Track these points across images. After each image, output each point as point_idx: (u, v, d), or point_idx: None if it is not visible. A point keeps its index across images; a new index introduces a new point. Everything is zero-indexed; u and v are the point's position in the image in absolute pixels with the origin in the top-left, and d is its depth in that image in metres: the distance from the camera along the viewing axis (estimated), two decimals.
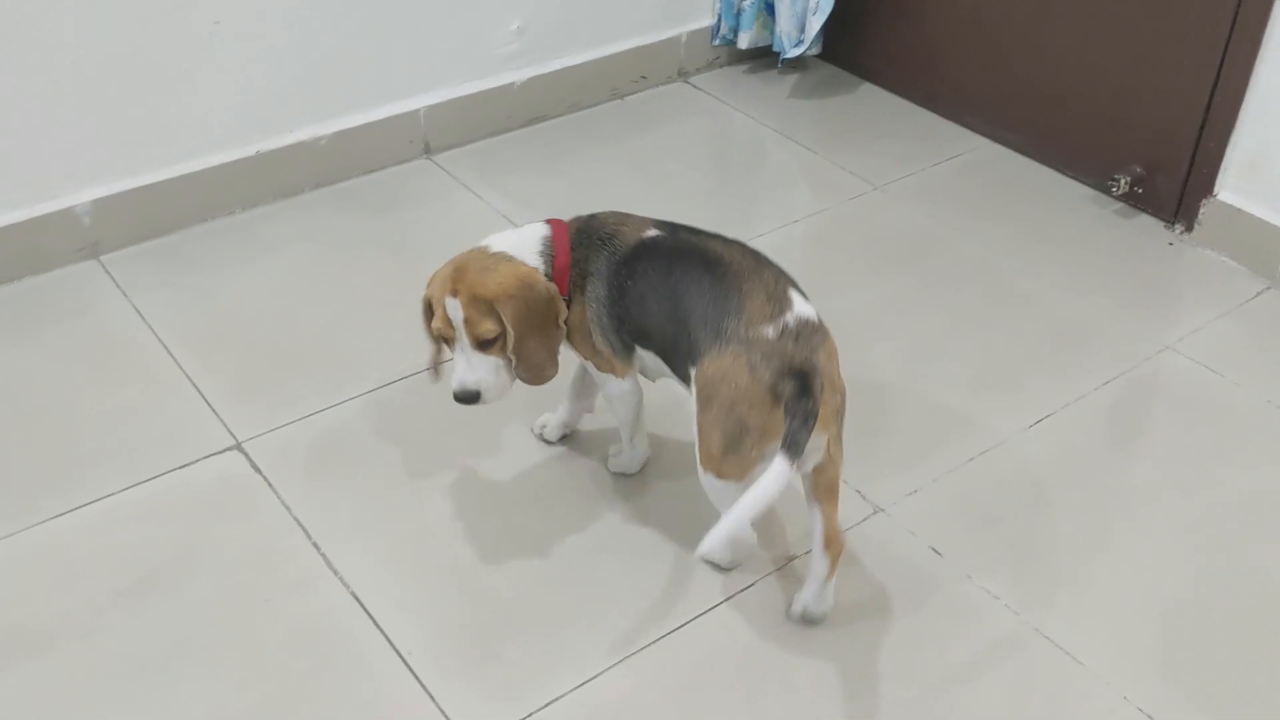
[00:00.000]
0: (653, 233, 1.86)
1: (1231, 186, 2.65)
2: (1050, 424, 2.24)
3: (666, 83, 3.33)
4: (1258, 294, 2.58)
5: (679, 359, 1.80)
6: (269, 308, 2.48)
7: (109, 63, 2.47)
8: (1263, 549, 2.01)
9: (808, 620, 1.86)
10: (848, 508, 2.04)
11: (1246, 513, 2.07)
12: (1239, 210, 2.64)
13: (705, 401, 1.71)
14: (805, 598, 1.85)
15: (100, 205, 2.57)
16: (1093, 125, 2.86)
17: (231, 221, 2.74)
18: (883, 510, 2.06)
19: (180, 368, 2.32)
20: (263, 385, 2.28)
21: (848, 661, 1.81)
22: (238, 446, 2.16)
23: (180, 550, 1.96)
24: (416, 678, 1.77)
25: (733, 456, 1.69)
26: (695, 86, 3.32)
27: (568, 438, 2.18)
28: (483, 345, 1.80)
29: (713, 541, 1.60)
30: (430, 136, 2.97)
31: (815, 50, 3.35)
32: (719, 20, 3.30)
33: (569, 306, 1.85)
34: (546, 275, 1.83)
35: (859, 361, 2.33)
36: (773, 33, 3.28)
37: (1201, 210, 2.70)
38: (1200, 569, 1.97)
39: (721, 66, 3.41)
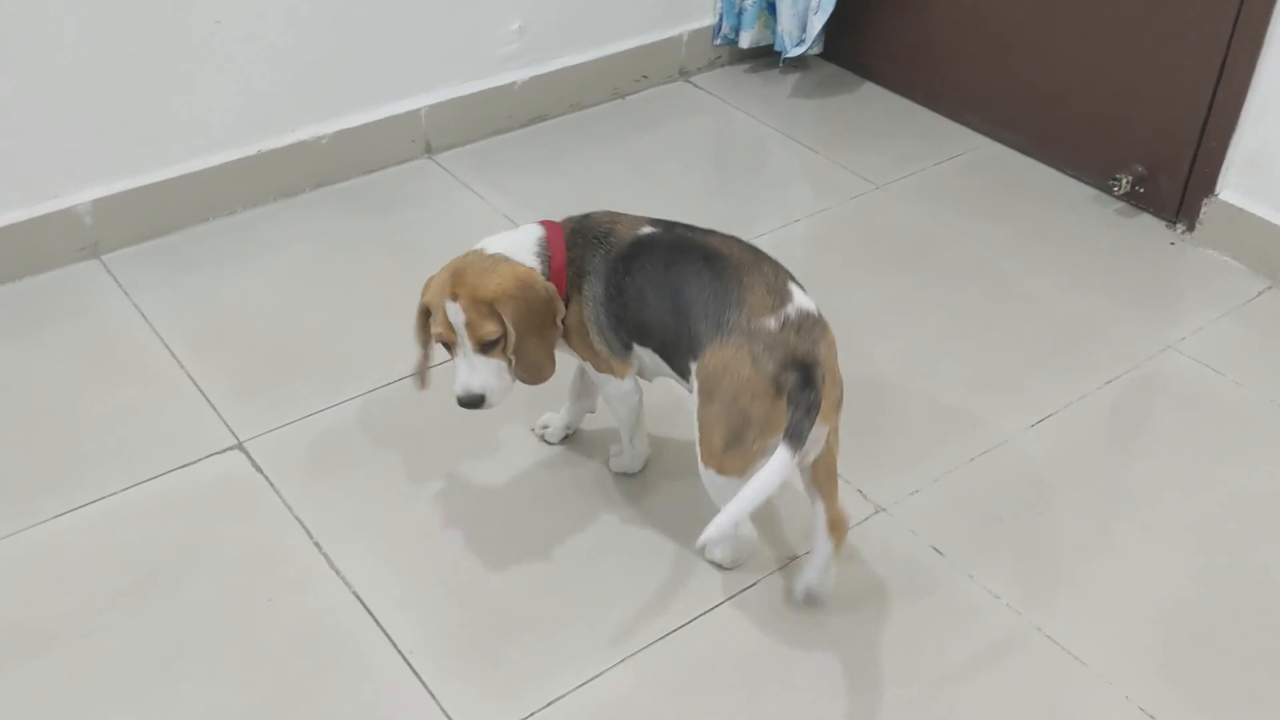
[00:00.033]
0: (648, 230, 1.86)
1: (1233, 186, 2.65)
2: (1051, 424, 2.24)
3: (668, 82, 3.32)
4: (1259, 293, 2.58)
5: (679, 354, 1.80)
6: (270, 307, 2.48)
7: (110, 62, 2.47)
8: (1264, 548, 2.01)
9: (811, 601, 1.87)
10: (849, 508, 2.04)
11: (1248, 512, 2.07)
12: (1241, 210, 2.63)
13: (707, 394, 1.71)
14: (810, 578, 1.85)
15: (101, 205, 2.57)
16: (1094, 125, 2.86)
17: (232, 221, 2.74)
18: (884, 510, 2.06)
19: (181, 367, 2.32)
20: (264, 385, 2.28)
21: (849, 660, 1.81)
22: (239, 446, 2.16)
23: (181, 550, 1.96)
24: (418, 677, 1.77)
25: (734, 451, 1.69)
26: (696, 86, 3.32)
27: (569, 438, 2.18)
28: (485, 348, 1.80)
29: (714, 531, 1.61)
30: (431, 136, 2.97)
31: (817, 50, 3.35)
32: (720, 19, 3.30)
33: (566, 306, 1.86)
34: (544, 275, 1.83)
35: (860, 361, 2.33)
36: (774, 32, 3.28)
37: (1203, 210, 2.70)
38: (1202, 568, 1.97)
39: (723, 66, 3.40)
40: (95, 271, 2.57)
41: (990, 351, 2.41)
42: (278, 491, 2.07)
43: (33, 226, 2.51)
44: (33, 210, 2.51)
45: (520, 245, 1.85)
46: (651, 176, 2.93)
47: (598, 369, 1.93)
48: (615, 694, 1.76)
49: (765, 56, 3.42)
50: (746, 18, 3.26)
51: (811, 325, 1.71)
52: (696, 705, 1.75)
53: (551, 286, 1.82)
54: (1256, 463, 2.17)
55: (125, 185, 2.59)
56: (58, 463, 2.11)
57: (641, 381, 1.98)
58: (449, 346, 1.83)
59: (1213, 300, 2.56)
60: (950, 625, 1.87)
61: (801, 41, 3.20)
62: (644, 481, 2.10)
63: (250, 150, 2.72)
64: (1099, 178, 2.88)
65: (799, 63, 3.39)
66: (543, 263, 1.84)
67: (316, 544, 1.98)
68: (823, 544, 1.82)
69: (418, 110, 2.92)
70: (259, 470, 2.11)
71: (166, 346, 2.37)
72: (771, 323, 1.68)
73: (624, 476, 2.11)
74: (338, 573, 1.93)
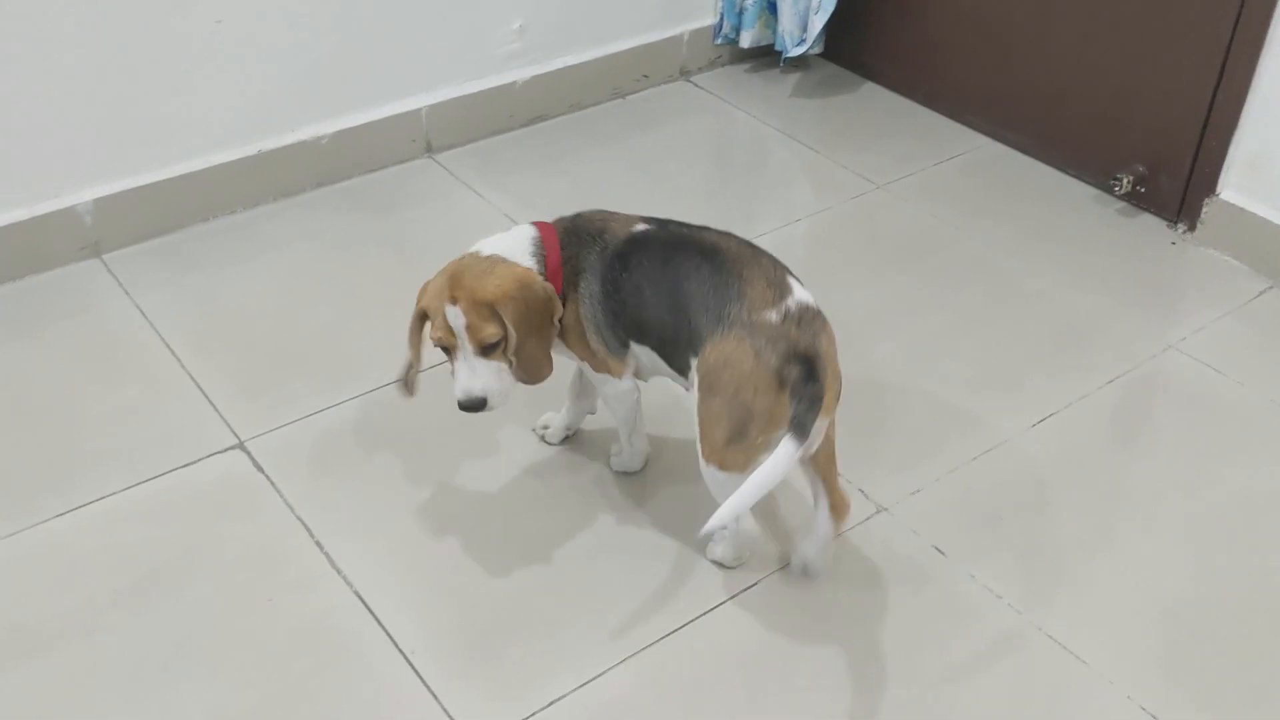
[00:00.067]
0: (641, 227, 1.86)
1: (1234, 186, 2.65)
2: (1053, 423, 2.24)
3: (668, 82, 3.32)
4: (1260, 293, 2.58)
5: (678, 350, 1.79)
6: (271, 307, 2.48)
7: (111, 62, 2.47)
8: (1266, 548, 2.00)
9: (808, 574, 1.88)
10: (850, 507, 2.04)
11: (1249, 512, 2.07)
12: (1242, 210, 2.63)
13: (708, 389, 1.71)
14: (808, 553, 1.87)
15: (102, 204, 2.57)
16: (1095, 124, 2.86)
17: (233, 220, 2.74)
18: (885, 509, 2.06)
19: (182, 366, 2.32)
20: (265, 384, 2.28)
21: (850, 660, 1.81)
22: (240, 445, 2.16)
23: (182, 549, 1.96)
24: (419, 677, 1.77)
25: (736, 446, 1.69)
26: (697, 85, 3.32)
27: (569, 438, 2.18)
28: (485, 350, 1.79)
29: (716, 521, 1.61)
30: (432, 135, 2.97)
31: (817, 49, 3.35)
32: (721, 19, 3.30)
33: (563, 305, 1.85)
34: (540, 275, 1.82)
35: (861, 360, 2.32)
36: (775, 32, 3.28)
37: (1204, 210, 2.70)
38: (1203, 568, 1.97)
39: (723, 65, 3.40)
40: (96, 271, 2.57)
41: (991, 351, 2.41)
42: (279, 491, 2.07)
43: (33, 226, 2.51)
44: (33, 209, 2.51)
45: (515, 246, 1.84)
46: (652, 176, 2.93)
47: (595, 368, 1.92)
48: (616, 694, 1.76)
49: (766, 56, 3.41)
50: (747, 17, 3.26)
51: (811, 318, 1.71)
52: (698, 705, 1.75)
53: (550, 286, 1.82)
54: (1258, 462, 2.17)
55: (126, 184, 2.59)
56: (58, 462, 2.11)
57: (639, 381, 1.98)
58: (448, 351, 1.82)
59: (1214, 300, 2.56)
60: (951, 624, 1.87)
61: (802, 41, 3.20)
62: (644, 481, 2.10)
63: (251, 150, 2.72)
64: (1100, 177, 2.88)
65: (800, 62, 3.39)
66: (539, 262, 1.83)
67: (318, 543, 1.97)
68: (824, 524, 1.85)
69: (418, 110, 2.92)
70: (260, 470, 2.11)
71: (167, 346, 2.37)
72: (773, 316, 1.69)
73: (625, 476, 2.10)
74: (339, 572, 1.93)
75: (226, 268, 2.58)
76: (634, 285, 1.81)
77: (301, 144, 2.78)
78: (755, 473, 1.61)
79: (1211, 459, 2.17)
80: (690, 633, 1.85)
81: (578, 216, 1.91)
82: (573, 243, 1.86)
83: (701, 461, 1.76)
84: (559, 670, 1.78)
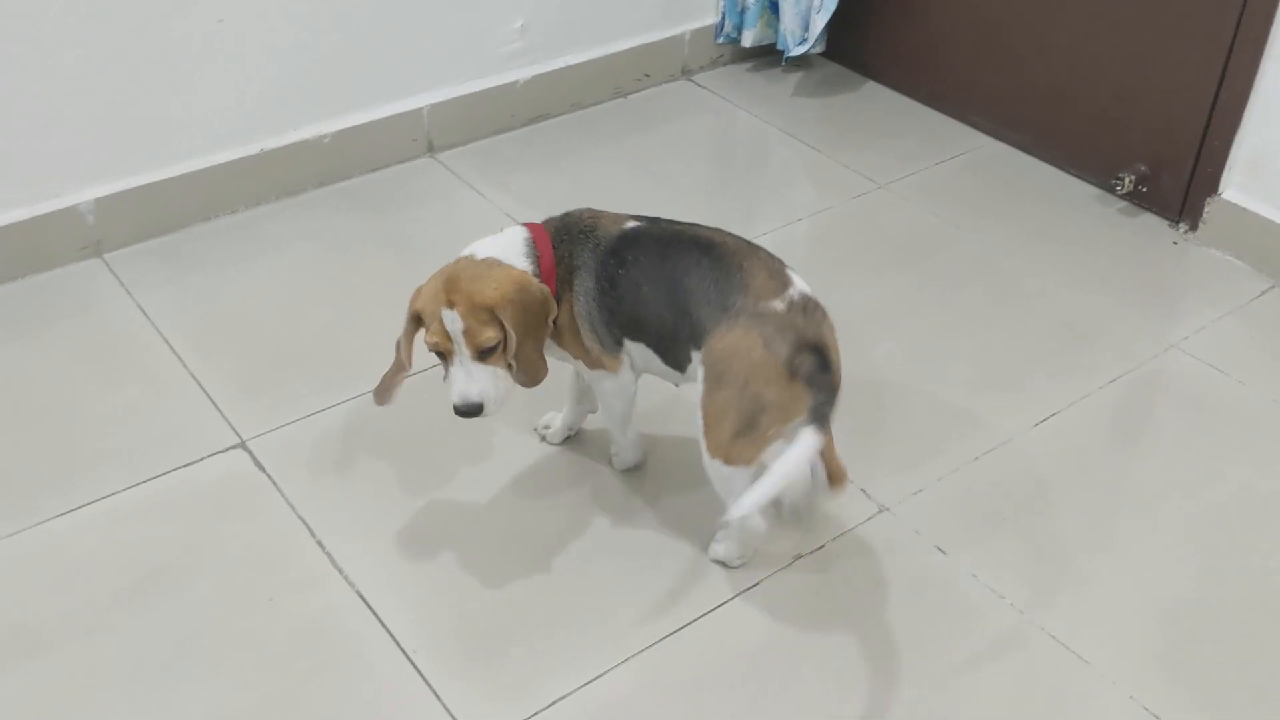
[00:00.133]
0: (633, 224, 1.86)
1: (1236, 185, 2.65)
2: (1054, 423, 2.24)
3: (670, 81, 3.32)
4: (1262, 293, 2.58)
5: (678, 345, 1.79)
6: (272, 306, 2.48)
7: (112, 61, 2.47)
8: (1267, 548, 2.00)
9: (795, 520, 1.90)
10: (852, 507, 2.04)
11: (1251, 512, 2.07)
12: (1244, 209, 2.63)
13: (715, 381, 1.70)
14: (799, 503, 1.88)
15: (103, 204, 2.57)
16: (1097, 124, 2.86)
17: (235, 220, 2.74)
18: (887, 509, 2.06)
19: (184, 366, 2.32)
20: (267, 384, 2.28)
21: (851, 660, 1.81)
22: (242, 445, 2.15)
23: (183, 549, 1.96)
24: (421, 676, 1.77)
25: (746, 438, 1.69)
26: (699, 85, 3.32)
27: (570, 438, 2.18)
28: (482, 354, 1.77)
29: (740, 510, 1.61)
30: (433, 135, 2.97)
31: (819, 48, 3.35)
32: (723, 18, 3.29)
33: (558, 305, 1.85)
34: (535, 276, 1.82)
35: (863, 360, 2.32)
36: (777, 31, 3.28)
37: (1206, 209, 2.70)
38: (1205, 568, 1.97)
39: (725, 65, 3.40)
40: (97, 270, 2.57)
41: (993, 351, 2.41)
42: (280, 491, 2.07)
43: (35, 225, 2.51)
44: (35, 209, 2.51)
45: (509, 248, 1.83)
46: (654, 175, 2.93)
47: (590, 366, 1.92)
48: (618, 693, 1.76)
49: (768, 55, 3.41)
50: (749, 16, 3.26)
51: (813, 308, 1.72)
52: (700, 704, 1.75)
53: (545, 288, 1.81)
54: (1259, 462, 2.16)
55: (127, 184, 2.59)
56: (59, 462, 2.11)
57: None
58: (443, 356, 1.80)
59: (1215, 300, 2.56)
60: (953, 624, 1.87)
61: (804, 40, 3.20)
62: (646, 481, 2.10)
63: (252, 149, 2.72)
64: (1102, 177, 2.88)
65: (801, 62, 3.38)
66: (533, 263, 1.83)
67: (319, 543, 1.97)
68: (821, 490, 1.85)
69: (420, 109, 2.92)
70: (261, 469, 2.11)
71: (169, 345, 2.37)
72: (778, 305, 1.69)
73: (626, 475, 2.10)
74: (340, 572, 1.93)
75: (228, 267, 2.58)
76: (631, 283, 1.81)
77: (303, 143, 2.78)
78: (777, 464, 1.60)
79: (1213, 459, 2.17)
80: (692, 632, 1.85)
81: (567, 215, 1.91)
82: (565, 242, 1.86)
83: (706, 456, 1.75)
84: (561, 670, 1.78)
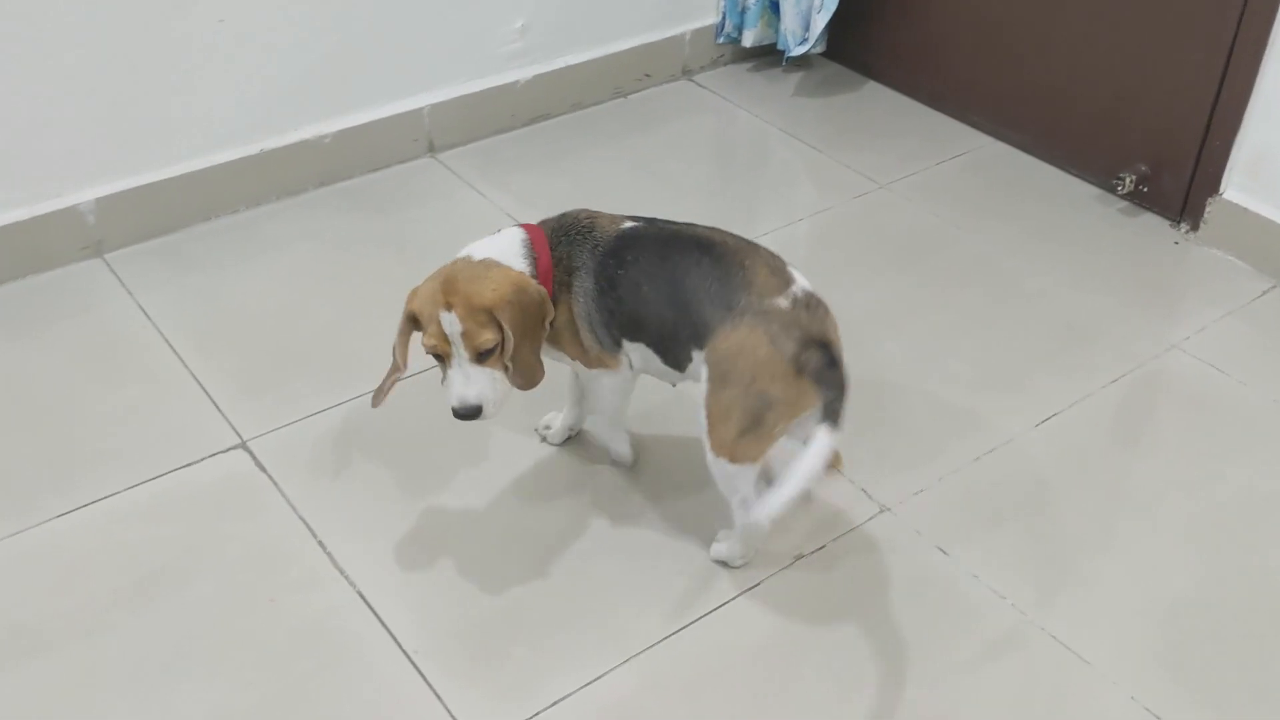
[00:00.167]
0: (630, 224, 1.86)
1: (1237, 185, 2.64)
2: (1056, 423, 2.23)
3: (670, 81, 3.32)
4: (1264, 293, 2.58)
5: (679, 344, 1.79)
6: (273, 306, 2.48)
7: (113, 61, 2.47)
8: (1268, 548, 2.00)
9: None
10: (853, 507, 2.04)
11: (1252, 512, 2.07)
12: (1245, 209, 2.63)
13: (720, 379, 1.70)
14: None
15: (104, 204, 2.57)
16: (1098, 124, 2.86)
17: (235, 220, 2.73)
18: (888, 509, 2.05)
19: (184, 366, 2.32)
20: (267, 384, 2.28)
21: (853, 660, 1.81)
22: (242, 445, 2.15)
23: (183, 549, 1.96)
24: (423, 677, 1.77)
25: (752, 435, 1.69)
26: (699, 85, 3.32)
27: (571, 439, 2.18)
28: (480, 357, 1.76)
29: (771, 508, 1.61)
30: (434, 135, 2.97)
31: (820, 48, 3.35)
32: (723, 18, 3.29)
33: (555, 306, 1.84)
34: (532, 277, 1.81)
35: (864, 360, 2.32)
36: (777, 31, 3.28)
37: (1207, 209, 2.69)
38: (1207, 568, 1.97)
39: (726, 64, 3.40)
40: (98, 270, 2.57)
41: (993, 351, 2.41)
42: (281, 491, 2.07)
43: (35, 225, 2.51)
44: (35, 209, 2.51)
45: (507, 249, 1.83)
46: (654, 175, 2.93)
47: (588, 366, 1.91)
48: (619, 694, 1.76)
49: (768, 55, 3.41)
50: (749, 16, 3.26)
51: (816, 305, 1.73)
52: (701, 705, 1.75)
53: (543, 289, 1.81)
54: (1260, 462, 2.16)
55: (128, 184, 2.59)
56: (60, 462, 2.11)
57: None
58: (440, 358, 1.79)
59: (1217, 300, 2.56)
60: (954, 624, 1.87)
61: (804, 40, 3.20)
62: (647, 480, 2.10)
63: (253, 149, 2.72)
64: (1103, 177, 2.88)
65: (802, 61, 3.38)
66: (530, 264, 1.82)
67: (320, 543, 1.97)
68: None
69: (420, 109, 2.92)
70: (262, 469, 2.11)
71: (169, 345, 2.37)
72: (783, 302, 1.69)
73: (626, 475, 2.10)
74: (341, 572, 1.92)
75: (228, 267, 2.58)
76: (631, 283, 1.80)
77: (303, 143, 2.78)
78: (796, 465, 1.60)
79: (1214, 459, 2.17)
80: (693, 632, 1.85)
81: (564, 216, 1.90)
82: (563, 242, 1.85)
83: (710, 454, 1.75)
84: (562, 670, 1.78)
